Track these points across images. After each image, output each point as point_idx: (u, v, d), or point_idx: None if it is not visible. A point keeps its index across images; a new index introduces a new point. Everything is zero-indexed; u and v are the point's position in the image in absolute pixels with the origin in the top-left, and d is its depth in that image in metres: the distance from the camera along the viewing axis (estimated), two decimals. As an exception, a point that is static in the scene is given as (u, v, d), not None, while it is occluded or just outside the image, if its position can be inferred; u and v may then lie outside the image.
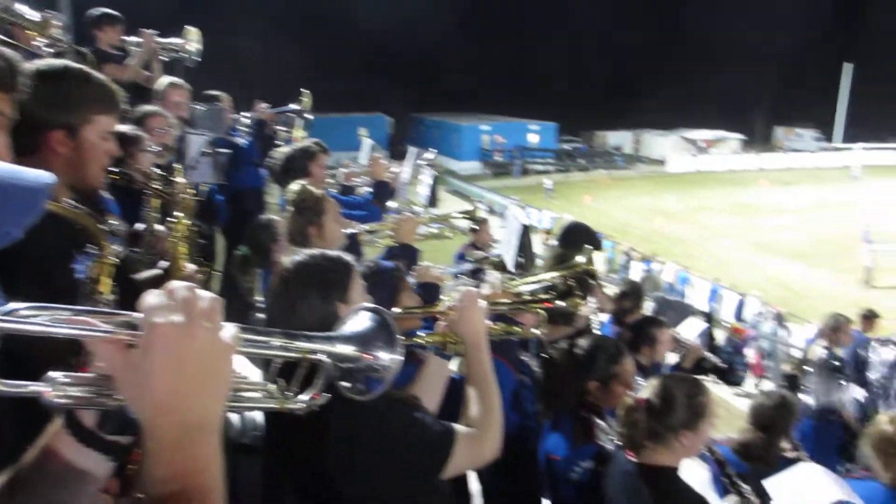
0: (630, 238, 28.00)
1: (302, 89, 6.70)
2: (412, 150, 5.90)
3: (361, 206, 4.91)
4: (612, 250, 26.11)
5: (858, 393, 4.92)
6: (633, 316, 5.05)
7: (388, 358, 1.45)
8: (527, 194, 37.36)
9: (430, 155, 6.05)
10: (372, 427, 1.89)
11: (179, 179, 3.23)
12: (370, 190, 5.24)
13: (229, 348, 1.04)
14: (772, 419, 3.59)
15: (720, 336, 7.92)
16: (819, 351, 6.43)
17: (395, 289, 2.78)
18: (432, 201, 5.86)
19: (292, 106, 6.73)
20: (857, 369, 5.07)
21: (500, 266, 4.12)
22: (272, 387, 1.38)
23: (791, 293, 22.95)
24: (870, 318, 8.45)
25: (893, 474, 2.88)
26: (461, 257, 6.81)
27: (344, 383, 1.46)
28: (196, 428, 0.97)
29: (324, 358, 1.39)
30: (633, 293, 5.27)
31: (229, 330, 1.05)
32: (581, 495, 2.84)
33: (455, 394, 2.32)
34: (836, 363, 6.03)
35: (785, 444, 3.68)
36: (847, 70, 56.97)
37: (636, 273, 23.59)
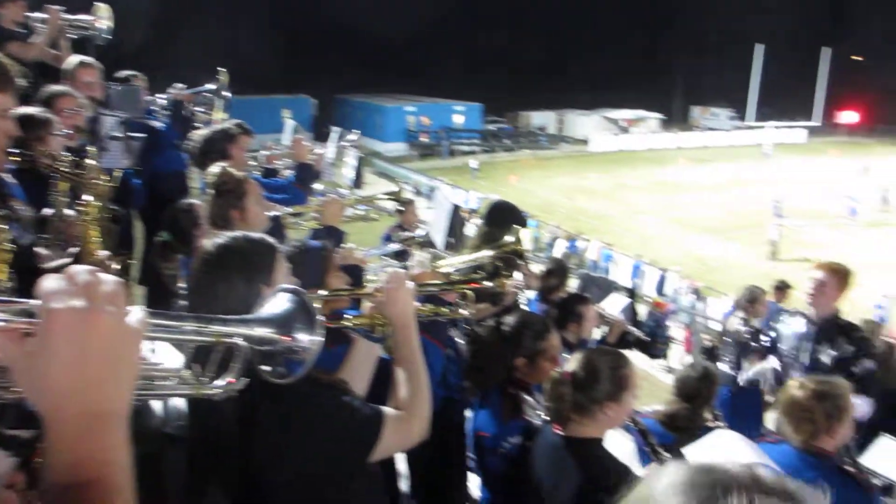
0: (555, 217, 28.46)
1: (219, 68, 6.50)
2: (335, 131, 5.83)
3: (284, 188, 4.80)
4: (537, 229, 26.51)
5: (773, 362, 5.12)
6: (558, 293, 5.12)
7: (308, 339, 1.42)
8: (453, 175, 37.47)
9: (353, 136, 5.98)
10: (299, 412, 1.86)
11: (90, 162, 3.09)
12: (293, 172, 5.14)
13: (135, 333, 0.99)
14: (696, 390, 3.69)
15: (642, 311, 8.15)
16: (736, 322, 6.67)
17: (322, 269, 2.73)
18: (357, 183, 5.79)
19: (209, 86, 6.52)
20: (770, 339, 5.26)
21: (426, 246, 4.11)
22: (186, 373, 1.33)
23: (708, 267, 23.81)
24: (783, 289, 8.84)
25: (803, 437, 3.01)
26: (388, 239, 6.78)
27: (264, 366, 1.43)
28: (99, 418, 0.92)
29: (240, 341, 1.35)
30: (558, 271, 5.34)
31: (135, 314, 1.00)
32: (510, 470, 2.87)
33: (384, 375, 2.30)
34: (752, 334, 6.27)
35: (707, 414, 3.80)
36: (759, 51, 59.02)
37: (561, 251, 24.03)
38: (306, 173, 4.89)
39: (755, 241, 25.67)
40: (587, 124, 54.55)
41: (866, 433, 4.47)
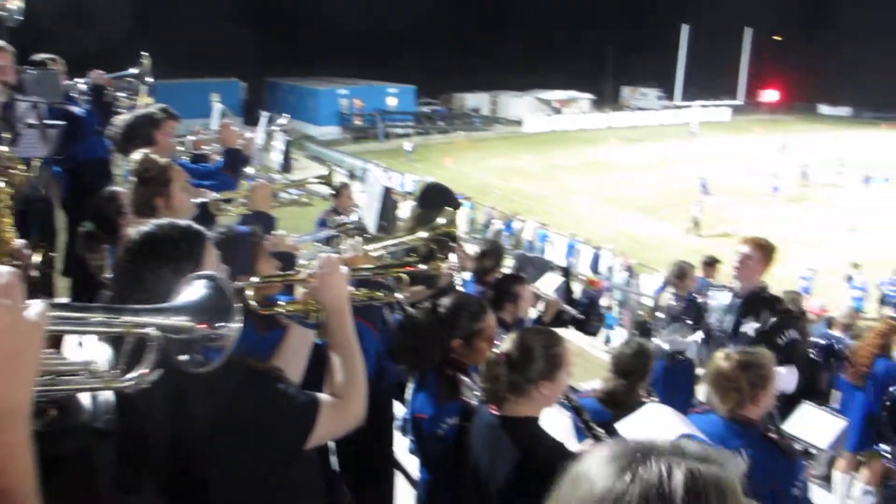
0: (490, 198, 28.64)
1: (142, 52, 6.26)
2: (264, 115, 5.69)
3: (213, 174, 4.68)
4: (472, 211, 26.63)
5: (697, 335, 5.28)
6: (494, 274, 5.15)
7: (226, 326, 1.39)
8: (388, 158, 37.30)
9: (283, 120, 5.85)
10: (232, 401, 1.82)
11: (2, 149, 2.95)
12: (222, 158, 5.01)
13: (34, 327, 0.95)
14: (632, 366, 3.74)
15: (577, 289, 8.29)
16: (667, 298, 6.85)
17: (252, 255, 2.67)
18: (286, 166, 5.68)
19: (131, 70, 6.27)
20: (698, 313, 5.43)
21: (360, 231, 4.08)
22: (96, 366, 1.29)
23: (640, 245, 24.37)
24: (711, 264, 9.11)
25: (729, 406, 3.11)
26: (322, 223, 6.69)
27: (181, 356, 1.39)
28: None
29: (152, 331, 1.31)
30: (493, 252, 5.36)
31: (35, 307, 0.95)
32: (448, 451, 2.89)
33: (319, 361, 2.28)
34: (682, 308, 6.45)
35: (640, 390, 3.87)
36: (685, 31, 60.34)
37: (496, 232, 24.23)
38: (235, 158, 4.77)
39: (684, 218, 26.38)
40: (520, 105, 54.94)
41: (787, 400, 4.67)
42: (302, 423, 1.93)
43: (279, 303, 2.46)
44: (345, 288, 2.21)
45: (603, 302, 16.03)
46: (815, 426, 4.09)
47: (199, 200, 3.67)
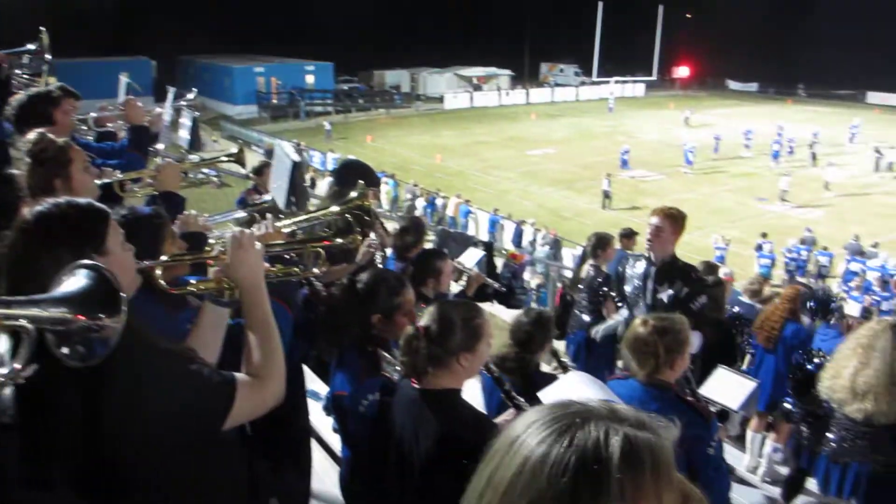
0: (413, 175, 28.60)
1: (40, 27, 5.90)
2: (171, 91, 5.45)
3: (118, 153, 4.48)
4: (396, 188, 26.54)
5: (623, 313, 5.40)
6: (415, 250, 5.13)
7: (108, 318, 1.32)
8: (308, 137, 36.72)
9: (190, 95, 5.62)
10: (145, 384, 1.74)
11: None
12: (127, 136, 4.79)
13: None
14: (528, 334, 3.75)
15: (499, 263, 8.37)
16: (586, 269, 6.96)
17: (156, 237, 2.56)
18: (194, 144, 5.47)
19: (29, 46, 5.91)
20: (618, 283, 5.54)
21: (275, 210, 3.97)
22: None
23: (560, 218, 24.80)
24: (629, 236, 9.30)
25: (647, 370, 3.20)
26: (241, 202, 6.51)
27: (62, 349, 1.32)
28: None
29: (25, 324, 1.23)
30: (414, 228, 5.33)
31: None
32: (370, 428, 2.87)
33: (235, 341, 2.21)
34: (602, 279, 6.57)
35: (543, 358, 3.88)
36: (600, 8, 61.14)
37: (420, 209, 24.23)
38: (141, 136, 4.57)
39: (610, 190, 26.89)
40: (440, 82, 54.80)
41: (702, 364, 4.85)
42: (219, 404, 1.87)
43: (191, 282, 2.38)
44: (259, 264, 2.15)
45: (526, 276, 16.31)
46: (727, 389, 4.26)
47: (102, 181, 3.50)
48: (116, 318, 1.32)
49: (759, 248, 20.05)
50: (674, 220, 4.84)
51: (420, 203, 25.08)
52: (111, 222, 1.94)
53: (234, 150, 4.61)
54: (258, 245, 2.17)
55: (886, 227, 23.73)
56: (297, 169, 3.49)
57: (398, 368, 2.98)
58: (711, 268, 6.13)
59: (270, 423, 3.09)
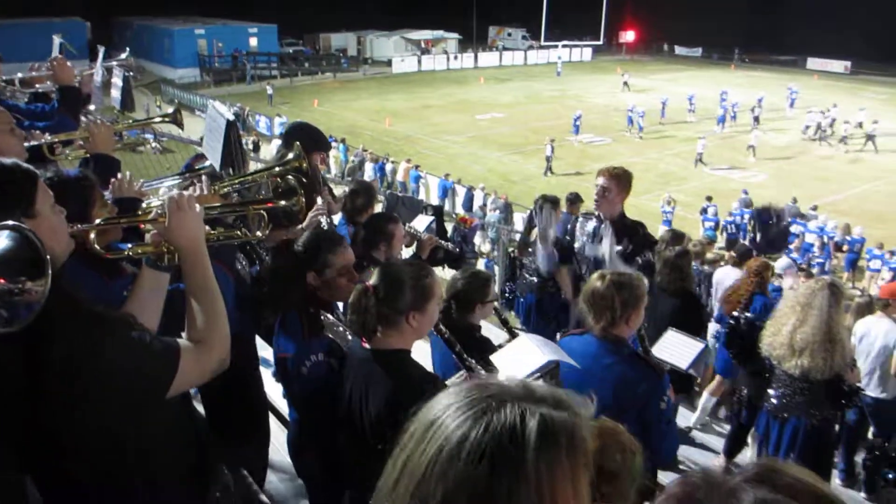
0: (361, 139, 28.30)
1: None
2: (102, 50, 5.21)
3: (49, 115, 4.28)
4: (345, 153, 26.24)
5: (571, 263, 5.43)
6: (365, 214, 5.06)
7: (31, 280, 1.25)
8: (252, 101, 36.00)
9: (123, 55, 5.37)
10: (84, 354, 1.67)
11: None
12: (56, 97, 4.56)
13: None
14: (462, 292, 3.70)
15: (448, 227, 8.36)
16: (535, 232, 6.99)
17: (84, 201, 2.46)
18: (126, 104, 5.25)
19: None
20: (565, 243, 5.56)
21: (215, 175, 3.84)
22: None
23: (510, 182, 24.88)
24: (574, 201, 9.36)
25: (602, 325, 3.23)
26: (188, 168, 6.30)
27: None
28: None
29: None
30: (363, 191, 5.25)
31: None
32: (316, 390, 2.83)
33: (176, 306, 2.13)
34: (549, 239, 6.59)
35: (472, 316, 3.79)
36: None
37: (369, 174, 24.03)
38: (71, 97, 4.37)
39: (554, 155, 27.01)
40: (388, 46, 54.10)
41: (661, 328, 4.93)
42: (162, 371, 1.82)
43: (129, 246, 2.28)
44: (199, 227, 2.07)
45: (477, 240, 16.36)
46: (677, 350, 4.35)
47: (30, 144, 3.34)
48: (41, 282, 1.25)
49: (704, 211, 20.45)
50: (619, 180, 4.86)
51: (369, 168, 24.85)
52: (40, 183, 1.87)
53: (171, 110, 4.42)
54: (197, 207, 2.08)
55: (826, 190, 24.47)
56: (232, 128, 3.35)
57: (341, 329, 2.95)
58: (677, 237, 6.17)
59: (225, 398, 3.03)
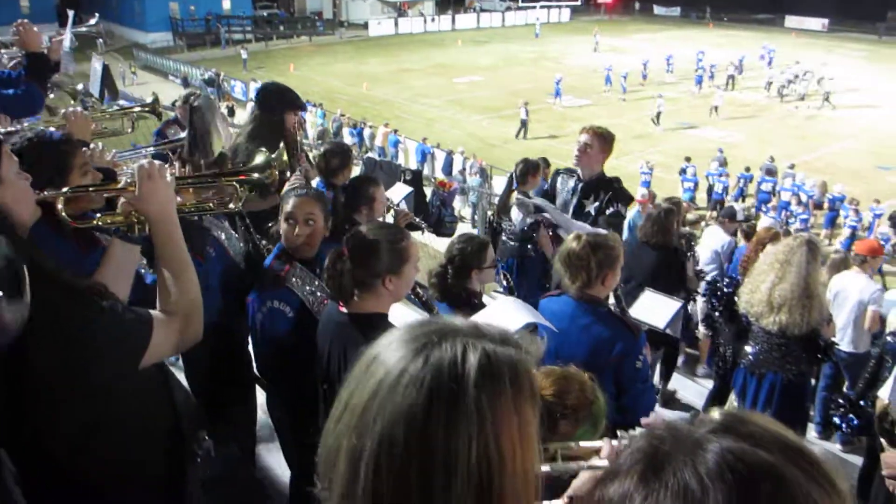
0: (339, 104, 27.96)
1: None
2: (71, 14, 5.05)
3: (15, 82, 4.16)
4: (323, 118, 25.94)
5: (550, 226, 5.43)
6: (342, 175, 5.00)
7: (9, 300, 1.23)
8: (227, 66, 35.38)
9: (92, 20, 5.23)
10: (53, 322, 1.65)
11: None
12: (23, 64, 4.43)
13: None
14: (457, 257, 3.68)
15: (427, 192, 8.34)
16: (515, 195, 6.96)
17: (61, 164, 2.40)
18: (106, 92, 5.15)
19: None
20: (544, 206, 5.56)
21: (185, 147, 3.79)
22: None
23: (489, 146, 24.76)
24: (544, 166, 9.35)
25: (578, 285, 3.24)
26: (158, 134, 6.20)
27: None
28: None
29: None
30: (338, 151, 5.17)
31: None
32: (272, 339, 2.89)
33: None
34: (529, 202, 6.58)
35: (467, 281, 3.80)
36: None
37: (346, 138, 23.81)
38: (39, 64, 4.24)
39: (532, 118, 26.88)
40: (364, 8, 53.17)
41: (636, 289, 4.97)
42: (133, 341, 1.80)
43: (98, 215, 2.24)
44: (170, 196, 2.03)
45: (457, 204, 16.30)
46: (654, 309, 4.39)
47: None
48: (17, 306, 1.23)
49: (683, 171, 20.51)
50: (602, 139, 4.87)
51: (346, 133, 24.61)
52: (4, 149, 1.82)
53: (150, 99, 4.34)
54: (168, 176, 2.04)
55: (802, 148, 24.61)
56: (195, 113, 3.29)
57: (308, 287, 2.95)
58: (675, 205, 6.26)
59: (212, 370, 3.03)
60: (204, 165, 3.20)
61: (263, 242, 3.57)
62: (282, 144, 3.48)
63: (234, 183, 2.43)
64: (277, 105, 4.59)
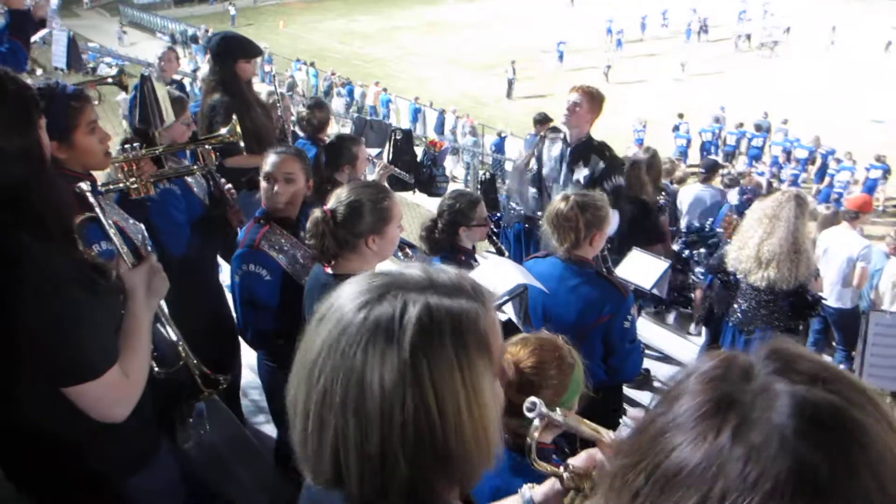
0: (330, 63, 27.62)
1: None
2: (57, -31, 4.94)
3: (-1, 40, 4.07)
4: (316, 77, 25.65)
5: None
6: (325, 132, 4.96)
7: None
8: (214, 22, 34.77)
9: None
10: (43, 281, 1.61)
11: None
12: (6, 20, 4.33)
13: None
14: (444, 213, 3.63)
15: (418, 151, 8.26)
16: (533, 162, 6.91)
17: (66, 118, 2.35)
18: (72, 63, 5.04)
19: None
20: (538, 166, 5.51)
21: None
22: None
23: (481, 105, 24.55)
24: (543, 121, 9.27)
25: (566, 246, 3.22)
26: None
27: None
28: None
29: None
30: (320, 104, 5.13)
31: None
32: (248, 300, 2.95)
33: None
34: (525, 162, 6.53)
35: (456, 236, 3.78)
36: None
37: (337, 98, 23.58)
38: (21, 21, 4.14)
39: (523, 76, 26.64)
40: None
41: (621, 241, 4.95)
42: (93, 358, 1.69)
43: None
44: (154, 293, 1.97)
45: (448, 164, 16.18)
46: (641, 269, 4.39)
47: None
48: None
49: (676, 128, 20.39)
50: (591, 98, 4.79)
51: (336, 93, 24.36)
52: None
53: (114, 72, 4.25)
54: (144, 269, 1.96)
55: (792, 103, 24.40)
56: (146, 83, 3.22)
57: (286, 249, 2.94)
58: (672, 162, 6.24)
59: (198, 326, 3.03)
60: (159, 136, 3.21)
61: (223, 180, 3.53)
62: (234, 117, 3.43)
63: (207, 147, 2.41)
64: (229, 55, 4.54)
